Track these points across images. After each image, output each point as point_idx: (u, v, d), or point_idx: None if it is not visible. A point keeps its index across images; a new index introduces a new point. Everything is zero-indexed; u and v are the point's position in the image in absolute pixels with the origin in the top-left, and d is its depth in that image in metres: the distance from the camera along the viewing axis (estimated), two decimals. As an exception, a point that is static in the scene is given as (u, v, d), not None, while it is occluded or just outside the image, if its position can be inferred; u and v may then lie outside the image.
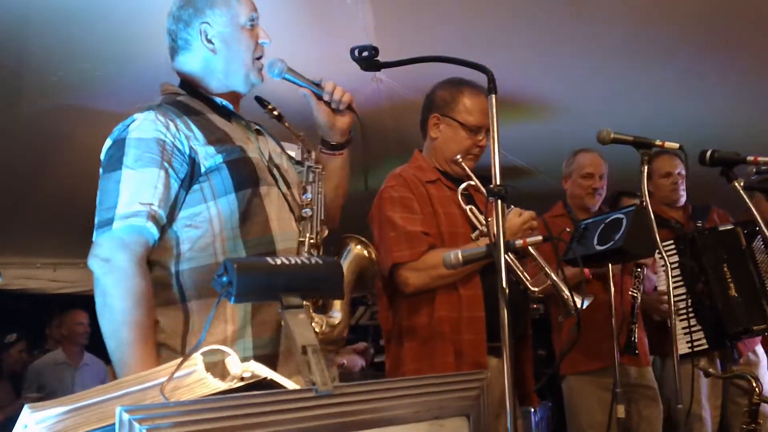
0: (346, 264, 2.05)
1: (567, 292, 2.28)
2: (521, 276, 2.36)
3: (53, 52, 3.35)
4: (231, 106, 1.96)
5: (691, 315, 3.52)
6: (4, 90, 3.60)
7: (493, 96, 1.83)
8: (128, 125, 1.79)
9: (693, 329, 3.49)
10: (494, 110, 1.83)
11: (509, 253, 2.15)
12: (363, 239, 2.11)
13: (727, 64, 3.78)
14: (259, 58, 1.96)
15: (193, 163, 1.79)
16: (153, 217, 1.72)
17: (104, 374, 5.53)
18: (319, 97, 2.01)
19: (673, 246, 3.59)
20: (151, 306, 1.71)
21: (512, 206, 2.41)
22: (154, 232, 1.73)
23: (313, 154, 2.05)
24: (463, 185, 2.57)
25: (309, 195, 1.97)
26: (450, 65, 1.96)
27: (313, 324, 1.85)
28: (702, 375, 3.10)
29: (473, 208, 2.54)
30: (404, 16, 3.59)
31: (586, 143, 3.61)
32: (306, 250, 1.88)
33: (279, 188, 1.92)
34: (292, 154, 2.16)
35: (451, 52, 1.99)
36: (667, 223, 3.68)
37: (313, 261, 1.20)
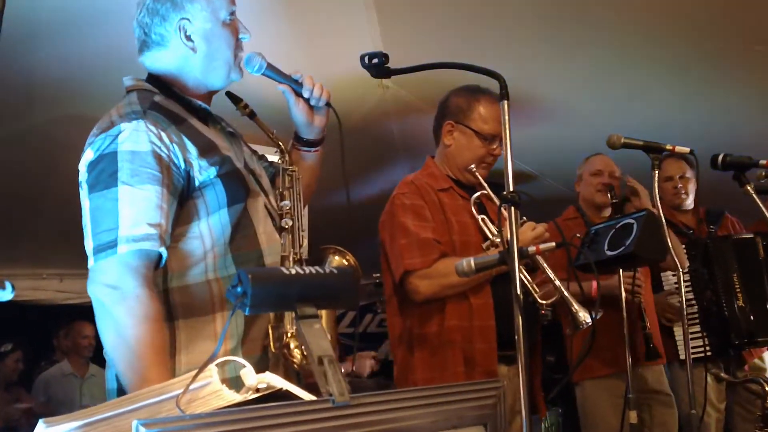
0: None
1: (576, 306, 2.25)
2: (530, 288, 2.34)
3: (62, 61, 3.35)
4: (209, 108, 1.84)
5: (699, 321, 3.50)
6: (14, 100, 3.60)
7: (506, 102, 1.81)
8: (116, 136, 1.63)
9: (698, 335, 3.47)
10: (507, 116, 1.80)
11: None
12: (340, 248, 2.08)
13: (739, 68, 3.76)
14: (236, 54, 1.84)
15: (188, 177, 1.68)
16: (164, 240, 1.61)
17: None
18: (298, 94, 1.94)
19: (684, 251, 3.57)
20: (164, 327, 1.62)
21: (525, 218, 2.39)
22: (165, 255, 1.62)
23: (286, 156, 1.95)
24: (477, 194, 2.55)
25: (287, 203, 1.88)
26: (459, 72, 1.93)
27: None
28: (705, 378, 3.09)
29: (485, 218, 2.52)
30: (409, 23, 3.59)
31: (594, 148, 3.61)
32: (291, 265, 1.78)
33: (261, 198, 1.82)
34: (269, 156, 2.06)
35: (457, 57, 1.97)
36: (675, 228, 3.66)
37: (327, 270, 1.19)
